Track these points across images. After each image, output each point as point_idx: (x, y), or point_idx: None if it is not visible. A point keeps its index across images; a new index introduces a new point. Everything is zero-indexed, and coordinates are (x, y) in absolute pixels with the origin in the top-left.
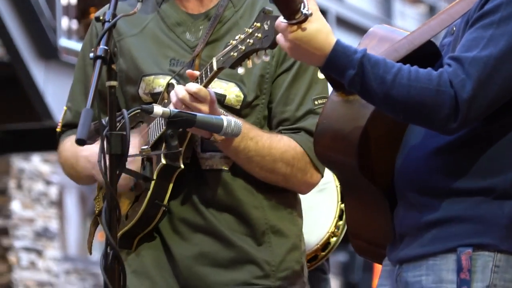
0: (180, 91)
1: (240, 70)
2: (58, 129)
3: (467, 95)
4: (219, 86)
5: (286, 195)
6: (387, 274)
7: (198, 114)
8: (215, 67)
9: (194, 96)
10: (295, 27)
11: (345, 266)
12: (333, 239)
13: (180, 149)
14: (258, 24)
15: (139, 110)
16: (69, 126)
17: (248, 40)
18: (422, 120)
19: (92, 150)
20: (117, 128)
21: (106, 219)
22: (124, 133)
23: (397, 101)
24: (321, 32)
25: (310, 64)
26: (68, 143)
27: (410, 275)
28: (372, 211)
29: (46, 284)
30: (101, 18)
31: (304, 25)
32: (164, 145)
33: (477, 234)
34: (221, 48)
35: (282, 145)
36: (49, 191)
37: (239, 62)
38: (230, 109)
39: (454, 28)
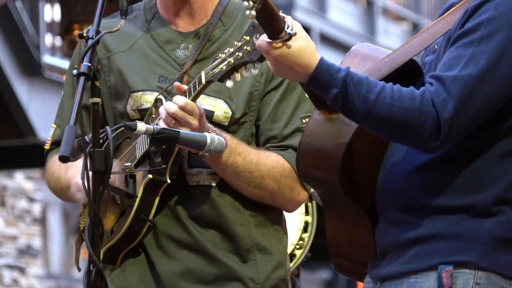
0: (170, 106)
1: (229, 84)
2: (46, 147)
3: (448, 114)
4: (207, 103)
5: (272, 213)
6: None
7: (181, 131)
8: (203, 81)
9: (182, 110)
10: (279, 44)
11: (328, 283)
12: (299, 252)
13: (164, 166)
14: (247, 38)
15: (123, 127)
16: (58, 143)
17: (237, 53)
18: (404, 139)
19: (76, 171)
20: (102, 146)
21: (89, 235)
22: (107, 150)
23: (380, 120)
24: (305, 50)
25: (294, 80)
26: (54, 166)
27: None
28: (353, 228)
29: None
30: (84, 35)
31: (289, 43)
32: (148, 161)
33: (457, 251)
34: (205, 66)
35: (270, 161)
36: (32, 208)
37: (227, 75)
38: (218, 126)
39: (436, 47)
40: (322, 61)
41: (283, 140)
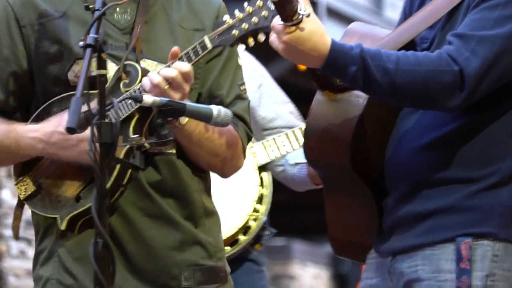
0: (169, 71)
1: (242, 48)
2: None
3: (473, 71)
4: (152, 69)
5: (207, 177)
6: (374, 267)
7: (187, 103)
8: (209, 46)
9: (184, 76)
10: (292, 28)
11: (334, 257)
12: (253, 223)
13: (171, 138)
14: (261, 3)
15: (129, 99)
16: None
17: (252, 19)
18: (428, 102)
19: (43, 130)
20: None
21: (96, 207)
22: (114, 121)
23: (403, 88)
24: (316, 33)
25: (306, 65)
26: None
27: (405, 265)
28: (355, 208)
29: None
30: (90, 6)
31: (300, 25)
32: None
33: (476, 223)
34: (155, 31)
35: (226, 129)
36: None
37: (240, 40)
38: None
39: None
40: (334, 42)
41: (226, 107)
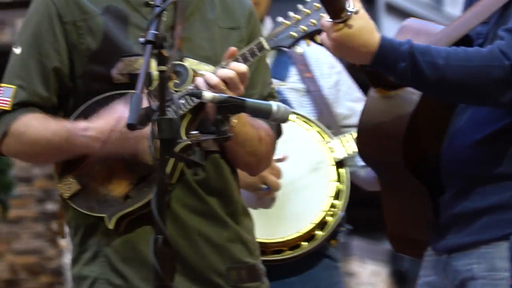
0: (226, 72)
1: (299, 50)
2: (5, 107)
3: None
4: (202, 68)
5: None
6: (431, 264)
7: (247, 99)
8: (267, 47)
9: (241, 77)
10: (340, 25)
11: (394, 254)
12: (330, 219)
13: (231, 134)
14: (318, 5)
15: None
16: (22, 105)
17: (311, 20)
18: (479, 98)
19: (99, 128)
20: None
21: (155, 204)
22: (174, 117)
23: (452, 84)
24: (366, 29)
25: (356, 62)
26: (35, 122)
27: (460, 263)
28: (412, 204)
29: None
30: (151, 2)
31: (349, 23)
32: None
33: None
34: (191, 30)
35: (263, 129)
36: None
37: (298, 41)
38: None
39: (487, 18)
40: (384, 38)
41: None
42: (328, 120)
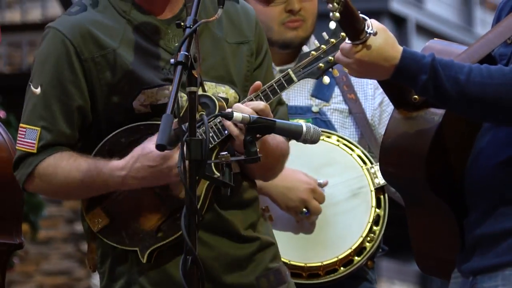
0: (258, 104)
1: (327, 80)
2: (30, 150)
3: None
4: (219, 90)
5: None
6: (458, 286)
7: (277, 120)
8: (295, 79)
9: (260, 113)
10: (359, 46)
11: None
12: (369, 244)
13: (260, 155)
14: (344, 35)
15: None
16: (47, 146)
17: (338, 51)
18: (499, 116)
19: (132, 167)
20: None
21: (185, 224)
22: (204, 138)
23: (473, 100)
24: (387, 44)
25: (377, 78)
26: (64, 163)
27: (485, 286)
28: (437, 225)
29: None
30: (182, 24)
31: (368, 43)
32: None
33: None
34: (203, 50)
35: (277, 140)
36: None
37: (324, 72)
38: None
39: (510, 39)
40: (405, 51)
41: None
42: (370, 142)
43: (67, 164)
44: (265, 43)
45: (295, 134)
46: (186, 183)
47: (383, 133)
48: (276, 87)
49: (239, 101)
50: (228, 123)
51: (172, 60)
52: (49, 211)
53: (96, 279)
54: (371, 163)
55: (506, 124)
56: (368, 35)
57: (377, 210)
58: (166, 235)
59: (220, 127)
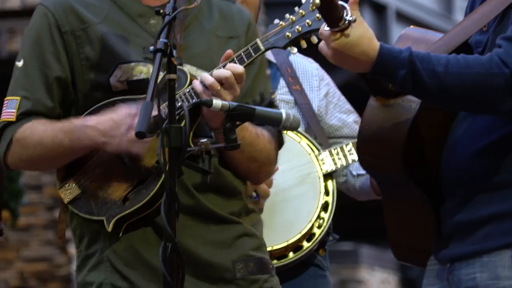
0: (223, 72)
1: (294, 50)
2: (10, 119)
3: None
4: (199, 74)
5: (247, 184)
6: (434, 273)
7: (256, 107)
8: (262, 48)
9: (237, 77)
10: (338, 34)
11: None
12: (318, 230)
13: (240, 142)
14: (313, 6)
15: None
16: (27, 114)
17: (306, 21)
18: (479, 106)
19: (98, 119)
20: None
21: (165, 211)
22: (184, 126)
23: (452, 91)
24: (364, 37)
25: (355, 70)
26: (40, 126)
27: (463, 273)
28: (414, 214)
29: None
30: (161, 11)
31: (347, 31)
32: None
33: None
34: (190, 39)
35: (265, 135)
36: None
37: (292, 42)
38: None
39: (486, 26)
40: (382, 46)
41: None
42: (315, 132)
43: (42, 126)
44: None
45: (275, 121)
46: (166, 170)
47: (329, 123)
48: (243, 56)
49: None
50: (196, 86)
51: (151, 47)
52: (29, 198)
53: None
54: (318, 150)
55: (485, 112)
56: (347, 22)
57: (326, 197)
58: (131, 204)
59: (189, 97)
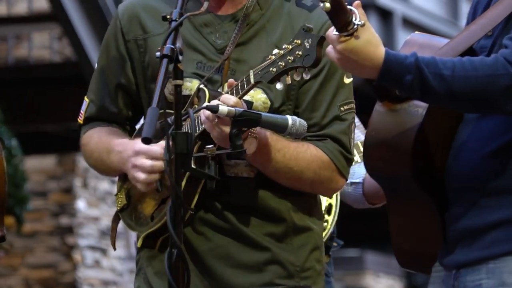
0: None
1: (279, 86)
2: (79, 121)
3: None
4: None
5: (308, 197)
6: (440, 280)
7: (262, 113)
8: (252, 81)
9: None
10: (346, 38)
11: None
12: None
13: (245, 148)
14: (299, 41)
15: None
16: (92, 119)
17: (288, 57)
18: (487, 107)
19: (125, 144)
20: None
21: (170, 218)
22: (190, 132)
23: (460, 94)
24: (370, 43)
25: (361, 76)
26: (95, 136)
27: (468, 279)
28: (419, 219)
29: (111, 282)
30: (168, 17)
31: (354, 36)
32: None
33: None
34: (250, 51)
35: (309, 155)
36: (114, 190)
37: (277, 78)
38: None
39: (491, 31)
40: (388, 52)
41: (322, 129)
42: None
43: (96, 137)
44: (326, 59)
45: (281, 128)
46: (172, 177)
47: None
48: (239, 87)
49: (269, 108)
50: (203, 117)
51: (157, 53)
52: (34, 204)
53: (81, 272)
54: None
55: (494, 113)
56: (355, 26)
57: (329, 200)
58: (155, 222)
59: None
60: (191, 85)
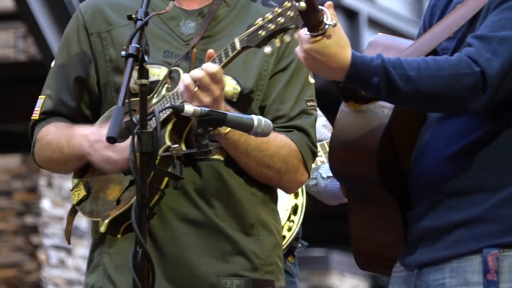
0: (196, 72)
1: (267, 49)
2: (35, 117)
3: (495, 72)
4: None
5: (271, 191)
6: (401, 280)
7: (228, 113)
8: (238, 47)
9: (212, 77)
10: (316, 38)
11: None
12: (288, 233)
13: (211, 148)
14: (288, 4)
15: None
16: (49, 114)
17: (278, 19)
18: (453, 105)
19: (93, 129)
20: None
21: (136, 217)
22: (155, 131)
23: (427, 94)
24: (339, 45)
25: (328, 77)
26: (53, 128)
27: (431, 278)
28: (381, 220)
29: (75, 282)
30: (133, 16)
31: (324, 37)
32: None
33: (502, 234)
34: (216, 44)
35: (279, 141)
36: None
37: (266, 41)
38: (227, 102)
39: (452, 33)
40: (354, 55)
41: (289, 120)
42: None
43: (55, 129)
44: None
45: (246, 127)
46: (137, 176)
47: None
48: (222, 55)
49: (239, 94)
50: (182, 87)
51: (123, 53)
52: None
53: (46, 271)
54: None
55: (459, 112)
56: (327, 26)
57: (295, 199)
58: (122, 205)
59: (176, 98)
60: (159, 71)
